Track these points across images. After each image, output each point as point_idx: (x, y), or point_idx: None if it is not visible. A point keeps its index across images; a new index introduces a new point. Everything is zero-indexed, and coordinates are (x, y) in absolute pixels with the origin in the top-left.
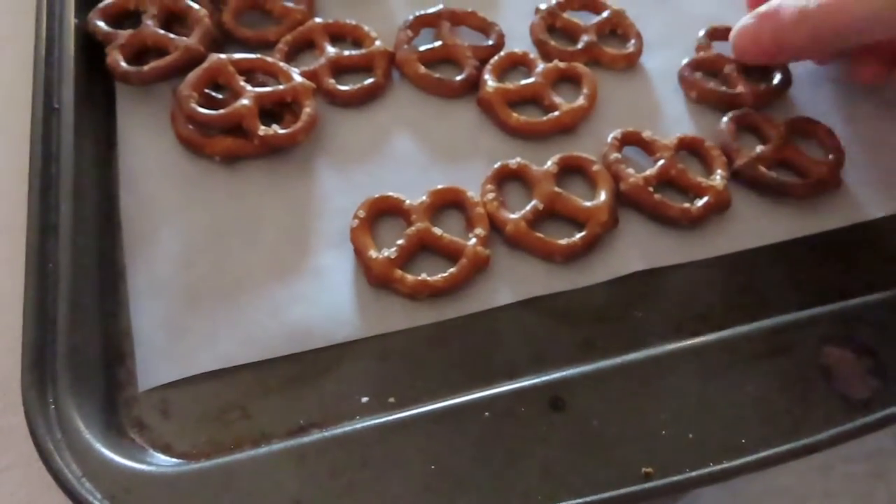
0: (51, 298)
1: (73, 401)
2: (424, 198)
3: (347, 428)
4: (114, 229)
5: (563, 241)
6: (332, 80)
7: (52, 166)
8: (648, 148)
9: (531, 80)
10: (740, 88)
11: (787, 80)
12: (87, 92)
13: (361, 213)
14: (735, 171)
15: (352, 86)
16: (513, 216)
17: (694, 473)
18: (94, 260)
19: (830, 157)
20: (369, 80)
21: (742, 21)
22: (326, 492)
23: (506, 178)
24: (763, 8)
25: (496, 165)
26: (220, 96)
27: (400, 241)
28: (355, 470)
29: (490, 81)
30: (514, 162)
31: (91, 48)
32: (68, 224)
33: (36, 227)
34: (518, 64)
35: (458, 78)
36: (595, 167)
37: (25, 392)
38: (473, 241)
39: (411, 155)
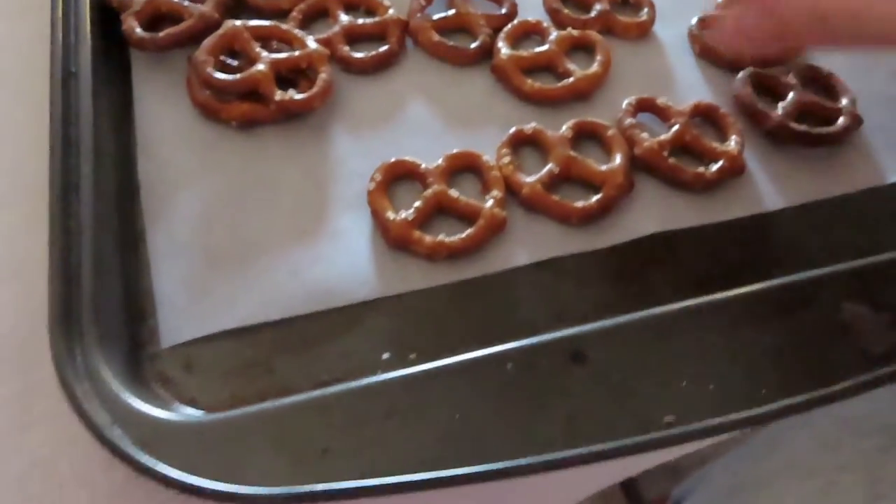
0: (74, 256)
1: (99, 354)
2: (440, 161)
3: (372, 379)
4: (133, 192)
5: (580, 204)
6: (346, 48)
7: (71, 129)
8: (663, 114)
9: (545, 47)
10: None
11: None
12: (103, 57)
13: (378, 177)
14: (769, 132)
15: (366, 53)
16: (529, 179)
17: (716, 421)
18: (115, 221)
19: (846, 101)
20: (383, 48)
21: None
22: (354, 440)
23: (520, 143)
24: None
25: (511, 130)
26: (235, 63)
27: (417, 204)
28: (381, 420)
29: (504, 49)
30: (528, 127)
31: (107, 15)
32: (89, 185)
33: (58, 186)
34: (531, 32)
35: (472, 46)
36: (610, 132)
37: (54, 343)
38: (490, 203)
39: (425, 121)
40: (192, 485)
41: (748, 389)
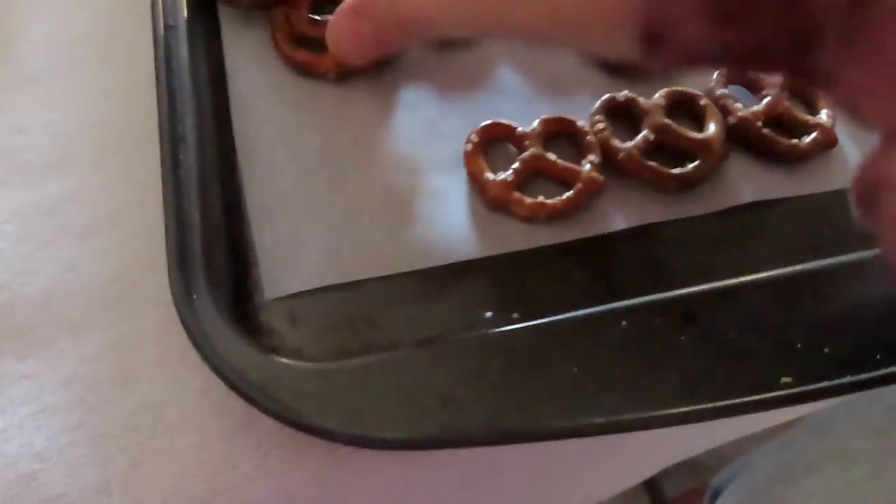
0: (186, 204)
1: (211, 301)
2: (536, 125)
3: (490, 331)
4: (232, 145)
5: (677, 171)
6: None
7: (174, 81)
8: (753, 86)
9: None
10: None
11: None
12: (197, 11)
13: (475, 138)
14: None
15: None
16: (625, 145)
17: (835, 382)
18: (217, 172)
19: None
20: None
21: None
22: (471, 390)
23: (614, 111)
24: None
25: (605, 97)
26: (320, 19)
27: (515, 165)
28: (499, 371)
29: None
30: (622, 94)
31: None
32: (193, 136)
33: (167, 137)
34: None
35: None
36: (703, 101)
37: (174, 286)
38: (588, 166)
39: (516, 87)
40: (308, 423)
41: (863, 353)
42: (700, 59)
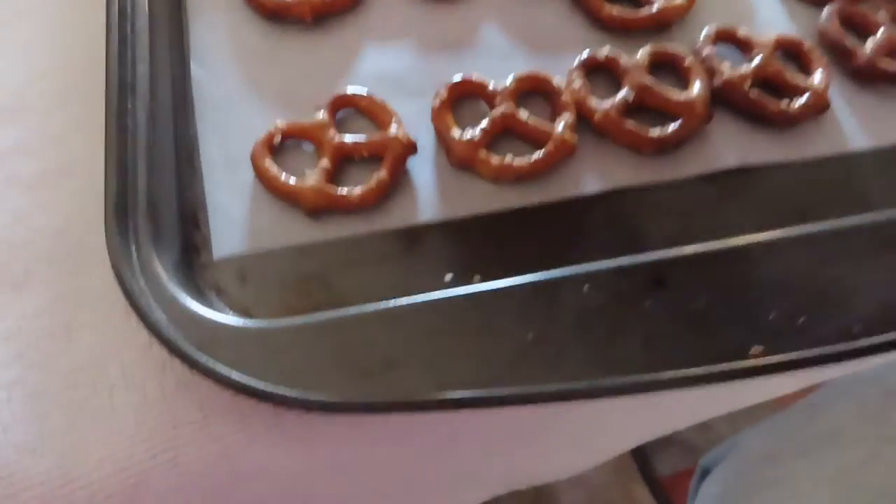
0: (130, 154)
1: (153, 254)
2: (509, 82)
3: (441, 294)
4: (188, 97)
5: (655, 133)
6: None
7: (127, 27)
8: (744, 46)
9: None
10: None
11: None
12: None
13: (443, 94)
14: (857, 70)
15: None
16: (602, 105)
17: (808, 353)
18: (170, 124)
19: None
20: None
21: None
22: (418, 353)
23: (594, 69)
24: None
25: (584, 54)
26: None
27: (483, 124)
28: (449, 335)
29: None
30: (603, 52)
31: None
32: (145, 85)
33: (114, 84)
34: None
35: None
36: (688, 60)
37: (109, 238)
38: (560, 126)
39: (496, 43)
40: (250, 386)
41: (839, 325)
42: None
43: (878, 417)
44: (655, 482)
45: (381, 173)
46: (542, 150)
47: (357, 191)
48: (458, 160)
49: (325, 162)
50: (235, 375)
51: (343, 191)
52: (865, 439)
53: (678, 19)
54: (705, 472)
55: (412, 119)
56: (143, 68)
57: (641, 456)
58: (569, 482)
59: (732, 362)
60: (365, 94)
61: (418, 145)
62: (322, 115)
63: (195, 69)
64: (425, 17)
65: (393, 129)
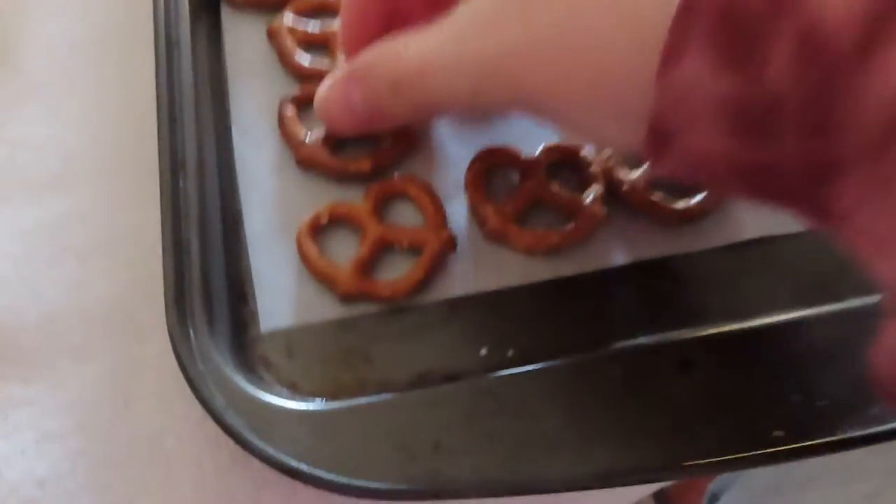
0: (184, 234)
1: (209, 335)
2: (539, 153)
3: (481, 377)
4: (232, 170)
5: (681, 205)
6: None
7: (175, 104)
8: None
9: None
10: None
11: None
12: (201, 27)
13: (477, 165)
14: None
15: None
16: (629, 176)
17: (826, 439)
18: (216, 200)
19: None
20: None
21: (327, 82)
22: (465, 436)
23: None
24: (353, 67)
25: None
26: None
27: (515, 196)
28: (491, 417)
29: None
30: None
31: None
32: (194, 162)
33: (167, 166)
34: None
35: None
36: None
37: (171, 324)
38: (590, 198)
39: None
40: (296, 469)
41: (859, 407)
42: (704, 171)
43: (885, 452)
44: (664, 498)
45: (417, 271)
46: (574, 223)
47: (389, 284)
48: (492, 232)
49: (363, 250)
50: (283, 459)
51: (377, 280)
52: (873, 473)
53: None
54: (714, 498)
55: (447, 189)
56: (190, 147)
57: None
58: None
59: (754, 450)
60: (416, 182)
61: (456, 216)
62: (369, 200)
63: (237, 138)
64: None
65: (435, 224)
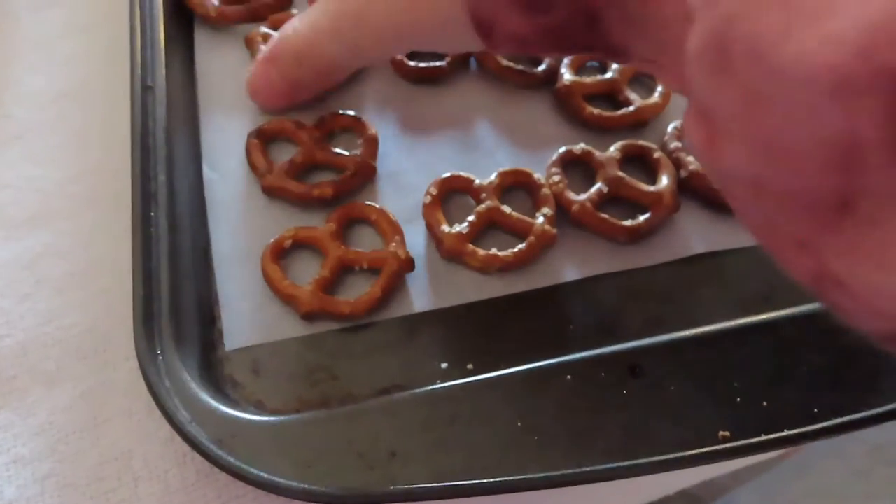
0: (154, 261)
1: (177, 355)
2: (493, 178)
3: (437, 386)
4: (202, 200)
5: (628, 223)
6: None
7: (149, 139)
8: None
9: (608, 75)
10: None
11: None
12: (175, 71)
13: (433, 191)
14: None
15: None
16: (578, 197)
17: (771, 436)
18: (187, 226)
19: None
20: (440, 63)
21: (252, 68)
22: (419, 444)
23: (570, 163)
24: (264, 52)
25: (561, 150)
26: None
27: (470, 218)
28: (445, 425)
29: (567, 75)
30: (578, 147)
31: (179, 18)
32: (164, 193)
33: (139, 195)
34: (595, 60)
35: (538, 70)
36: (656, 154)
37: (138, 343)
38: (541, 219)
39: (479, 138)
40: (262, 480)
41: (800, 407)
42: (527, 45)
43: (864, 474)
44: None
45: (375, 288)
46: (525, 242)
47: (349, 302)
48: (448, 252)
49: (325, 271)
50: (248, 469)
51: (338, 299)
52: (851, 497)
53: (654, 116)
54: None
55: (405, 214)
56: (163, 178)
57: None
58: None
59: (699, 448)
60: (376, 207)
61: (413, 238)
62: (331, 224)
63: (206, 171)
64: (414, 111)
65: (392, 245)
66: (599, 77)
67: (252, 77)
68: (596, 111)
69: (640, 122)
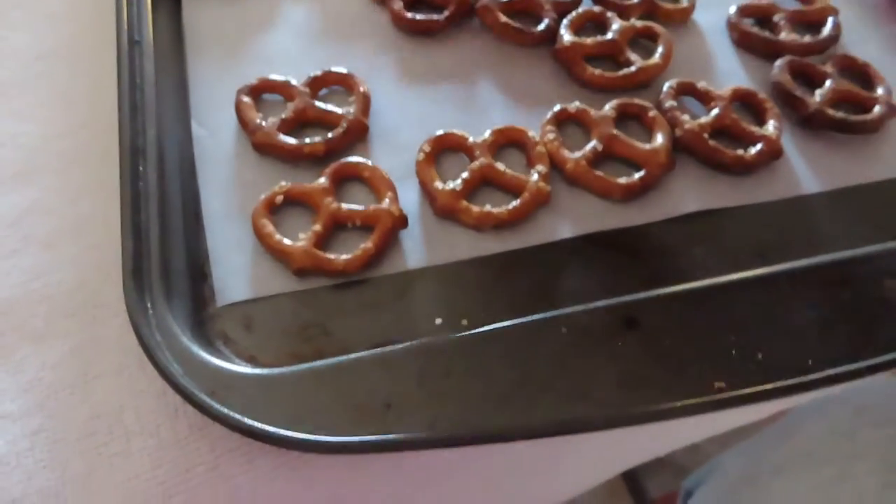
0: (143, 216)
1: (167, 309)
2: (487, 135)
3: (433, 339)
4: (192, 157)
5: (623, 180)
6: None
7: (137, 95)
8: (703, 98)
9: (608, 36)
10: (784, 36)
11: (835, 34)
12: (163, 25)
13: (427, 148)
14: (806, 119)
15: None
16: (573, 155)
17: (766, 386)
18: (177, 182)
19: (882, 91)
20: (437, 16)
21: None
22: (415, 396)
23: (565, 121)
24: None
25: (556, 108)
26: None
27: (464, 175)
28: (440, 378)
29: (567, 36)
30: (573, 106)
31: None
32: (154, 148)
33: (127, 150)
34: (594, 21)
35: (538, 29)
36: (651, 113)
37: (128, 297)
38: (535, 177)
39: (478, 96)
40: (256, 430)
41: (794, 359)
42: None
43: (848, 436)
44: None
45: (368, 244)
46: (519, 199)
47: (343, 258)
48: (442, 209)
49: (317, 226)
50: (243, 420)
51: (330, 256)
52: (836, 458)
53: (655, 77)
54: (689, 494)
55: (400, 171)
56: (152, 133)
57: (633, 479)
58: None
59: (695, 398)
60: (369, 165)
61: (407, 195)
62: (324, 180)
63: (196, 128)
64: (410, 59)
65: (386, 202)
66: (600, 38)
67: None
68: (597, 72)
69: (642, 83)
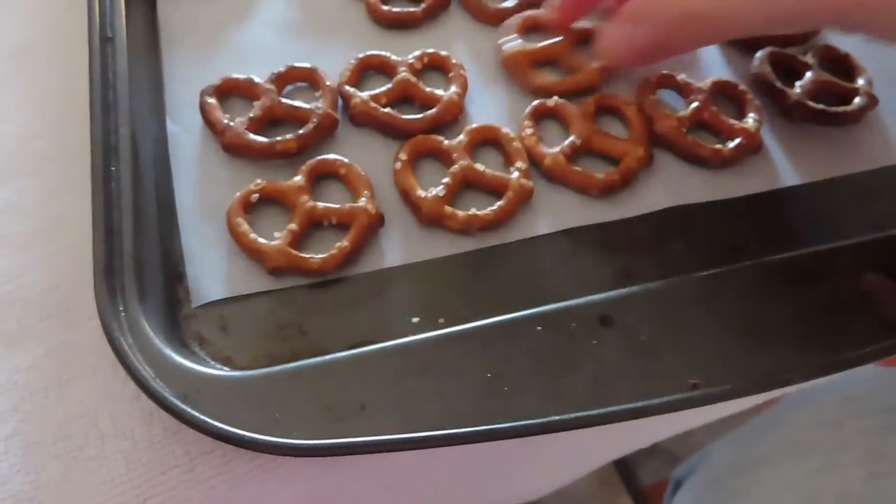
0: (116, 216)
1: (140, 311)
2: (462, 136)
3: (407, 339)
4: (167, 156)
5: (601, 175)
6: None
7: (109, 92)
8: (682, 90)
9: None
10: None
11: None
12: (137, 21)
13: (403, 156)
14: (787, 111)
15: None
16: (551, 150)
17: (739, 384)
18: (151, 181)
19: (862, 82)
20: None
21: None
22: (390, 397)
23: (542, 116)
24: (632, 9)
25: (534, 103)
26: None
27: (446, 180)
28: (416, 377)
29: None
30: (551, 100)
31: None
32: (127, 147)
33: (99, 149)
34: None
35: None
36: (630, 107)
37: (99, 298)
38: (516, 174)
39: None
40: (230, 434)
41: (769, 354)
42: None
43: (834, 426)
44: (639, 492)
45: (344, 243)
46: (504, 198)
47: (319, 257)
48: (427, 217)
49: (293, 225)
50: (215, 424)
51: (306, 255)
52: (823, 448)
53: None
54: (678, 485)
55: (374, 169)
56: (125, 131)
57: (625, 467)
58: (552, 495)
59: (671, 395)
60: (345, 162)
61: (380, 194)
62: (300, 178)
63: (170, 125)
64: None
65: (363, 200)
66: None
67: (609, 33)
68: (546, 80)
69: (592, 87)
